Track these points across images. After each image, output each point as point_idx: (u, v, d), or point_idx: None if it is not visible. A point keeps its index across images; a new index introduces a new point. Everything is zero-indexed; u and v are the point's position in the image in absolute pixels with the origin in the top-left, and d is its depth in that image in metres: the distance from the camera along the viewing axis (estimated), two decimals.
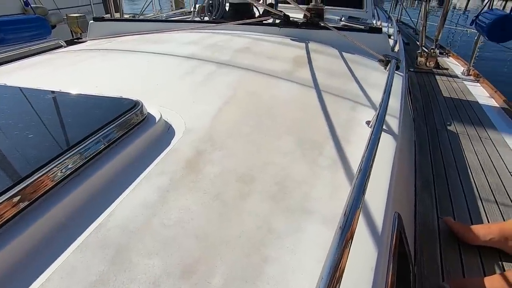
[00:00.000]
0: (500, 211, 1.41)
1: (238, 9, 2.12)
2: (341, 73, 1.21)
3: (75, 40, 1.87)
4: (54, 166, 0.52)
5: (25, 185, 0.47)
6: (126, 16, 5.08)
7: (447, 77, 3.47)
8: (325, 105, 0.94)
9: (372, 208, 0.58)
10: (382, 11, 4.18)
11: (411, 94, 2.33)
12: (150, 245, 0.47)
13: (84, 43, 1.70)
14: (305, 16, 1.65)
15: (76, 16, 5.46)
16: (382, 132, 0.80)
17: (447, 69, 3.80)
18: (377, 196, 0.61)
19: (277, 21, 1.69)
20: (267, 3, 2.60)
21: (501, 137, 2.10)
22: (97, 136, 0.60)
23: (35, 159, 0.53)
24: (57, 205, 0.50)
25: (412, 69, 3.57)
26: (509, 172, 1.70)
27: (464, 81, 3.36)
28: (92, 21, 1.86)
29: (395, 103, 1.03)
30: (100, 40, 1.65)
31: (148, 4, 3.41)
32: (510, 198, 1.49)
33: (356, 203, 0.46)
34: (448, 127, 2.23)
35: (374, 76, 1.23)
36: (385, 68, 1.33)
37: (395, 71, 1.29)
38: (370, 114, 0.89)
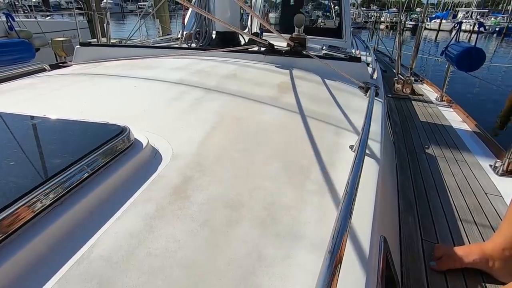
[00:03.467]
0: (479, 231, 1.45)
1: (224, 37, 2.19)
2: (324, 99, 1.25)
3: (59, 64, 1.85)
4: (35, 196, 0.50)
5: (3, 216, 0.45)
6: (113, 41, 5.13)
7: (422, 103, 3.67)
8: (310, 130, 0.95)
9: (359, 232, 0.59)
10: (360, 40, 4.44)
11: (390, 119, 2.43)
12: (136, 276, 0.45)
13: (69, 67, 1.68)
14: (288, 44, 1.74)
15: (61, 40, 5.45)
16: (365, 156, 0.82)
17: (422, 95, 4.03)
18: (363, 219, 0.62)
19: (262, 48, 1.75)
20: (253, 31, 2.70)
21: (475, 160, 2.21)
22: (82, 163, 0.59)
23: (16, 188, 0.51)
24: (37, 237, 0.48)
25: (390, 95, 3.76)
26: (486, 194, 1.77)
27: (438, 107, 3.57)
28: (78, 46, 1.85)
29: (376, 128, 1.06)
30: (86, 65, 1.64)
31: (136, 31, 3.47)
32: (487, 219, 1.55)
33: (343, 227, 0.47)
34: (426, 150, 2.33)
35: (356, 102, 1.27)
36: (366, 95, 1.39)
37: (375, 97, 1.33)
38: (353, 139, 0.92)
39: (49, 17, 9.53)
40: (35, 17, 7.42)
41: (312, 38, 2.76)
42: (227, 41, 2.14)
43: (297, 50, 1.68)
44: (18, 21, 6.20)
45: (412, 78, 3.94)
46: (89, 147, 0.63)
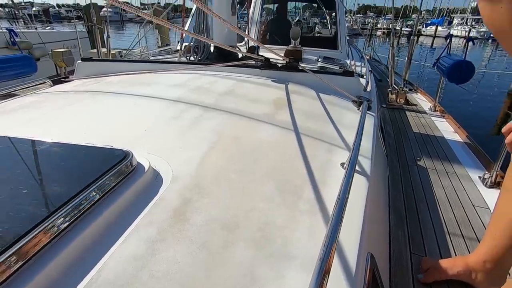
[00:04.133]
0: (466, 244, 1.51)
1: (222, 52, 2.25)
2: (318, 115, 1.28)
3: (61, 79, 1.88)
4: (48, 224, 0.54)
5: (20, 245, 0.49)
6: (113, 51, 5.20)
7: (416, 113, 3.74)
8: (303, 147, 0.99)
9: (347, 250, 0.62)
10: (356, 49, 4.52)
11: (383, 131, 2.49)
12: None
13: (71, 82, 1.71)
14: (284, 58, 1.79)
15: (62, 52, 5.54)
16: (355, 174, 0.87)
17: (416, 105, 4.11)
18: (351, 237, 0.65)
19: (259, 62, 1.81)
20: (249, 45, 2.75)
21: (465, 171, 2.28)
22: (90, 189, 0.63)
23: (29, 216, 0.55)
24: (51, 262, 0.52)
25: (384, 105, 3.83)
26: (473, 206, 1.84)
27: (431, 117, 3.64)
28: (79, 61, 1.88)
29: (367, 144, 1.09)
30: (87, 80, 1.66)
31: (137, 43, 3.54)
32: (474, 231, 1.61)
33: (331, 246, 0.50)
34: (418, 162, 2.39)
35: (348, 117, 1.31)
36: (358, 109, 1.40)
37: (367, 111, 1.36)
38: (345, 156, 0.94)
39: (49, 27, 9.66)
40: (36, 28, 7.51)
41: (308, 50, 2.81)
42: (224, 55, 2.18)
43: (292, 65, 1.72)
44: (18, 32, 6.29)
45: (406, 89, 4.03)
46: (95, 172, 0.68)
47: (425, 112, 3.84)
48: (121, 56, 5.14)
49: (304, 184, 0.81)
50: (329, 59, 2.66)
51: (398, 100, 3.87)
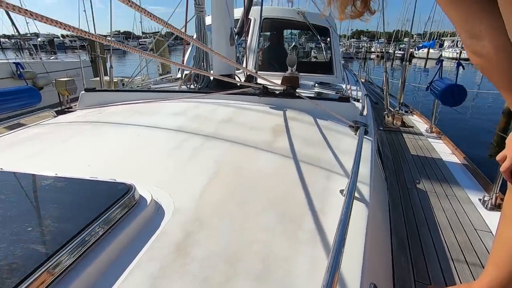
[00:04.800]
0: (470, 270, 1.49)
1: (221, 80, 2.31)
2: (316, 141, 1.29)
3: (65, 110, 1.92)
4: (53, 262, 0.55)
5: (25, 285, 0.50)
6: (115, 79, 5.33)
7: (413, 135, 3.79)
8: (302, 175, 0.98)
9: (349, 281, 0.62)
10: (351, 73, 4.65)
11: (381, 154, 2.51)
12: None
13: (74, 112, 1.73)
14: (282, 86, 1.82)
15: (65, 81, 5.70)
16: (355, 201, 0.86)
17: (412, 127, 4.17)
18: (352, 268, 0.65)
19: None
20: (248, 74, 2.82)
21: (465, 194, 2.28)
22: (94, 225, 0.64)
23: (28, 257, 0.56)
24: None
25: (381, 128, 3.88)
26: (475, 229, 1.83)
27: (428, 138, 3.69)
28: (83, 92, 1.92)
29: (365, 170, 1.09)
30: (90, 110, 1.69)
31: (139, 72, 3.66)
32: (477, 256, 1.59)
33: (332, 278, 0.50)
34: (417, 185, 2.40)
35: (346, 143, 1.30)
36: (355, 134, 1.42)
37: (364, 136, 1.35)
38: (343, 182, 0.94)
39: (53, 57, 9.98)
40: (40, 58, 7.76)
41: (305, 75, 2.88)
42: (224, 83, 2.23)
43: (289, 92, 1.75)
44: (23, 62, 6.50)
45: (402, 111, 4.12)
46: (99, 207, 0.69)
47: (421, 134, 3.89)
48: (123, 85, 5.28)
49: (304, 213, 0.81)
50: (325, 84, 2.73)
51: (394, 122, 3.94)
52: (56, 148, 1.16)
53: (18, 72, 4.73)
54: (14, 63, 4.98)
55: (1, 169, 0.91)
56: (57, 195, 0.77)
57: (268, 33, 4.72)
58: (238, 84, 2.44)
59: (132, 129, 1.31)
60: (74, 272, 0.58)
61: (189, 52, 3.51)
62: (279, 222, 0.76)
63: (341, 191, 0.92)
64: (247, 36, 3.44)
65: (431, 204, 2.10)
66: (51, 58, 9.63)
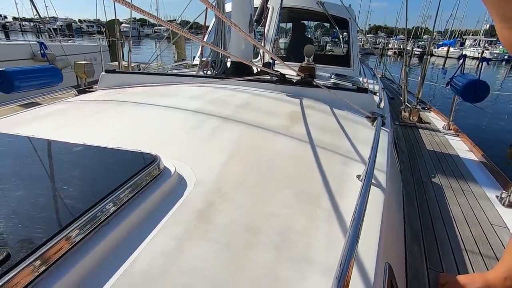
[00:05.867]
0: (484, 262, 1.47)
1: (238, 66, 2.31)
2: (333, 129, 1.30)
3: (86, 89, 1.97)
4: (86, 218, 0.59)
5: (73, 227, 0.55)
6: (133, 65, 5.40)
7: (429, 131, 3.72)
8: (319, 159, 1.00)
9: (365, 259, 0.63)
10: (368, 68, 4.59)
11: (397, 147, 2.48)
12: None
13: (95, 92, 1.77)
14: (299, 74, 1.81)
15: (83, 64, 5.81)
16: (371, 186, 0.85)
17: (429, 123, 4.09)
18: (369, 246, 0.66)
19: (274, 78, 1.85)
20: (265, 60, 2.81)
21: (482, 190, 2.24)
22: (123, 188, 0.68)
23: (67, 212, 0.60)
24: (91, 251, 0.57)
25: (397, 123, 3.82)
26: (491, 225, 1.80)
27: (445, 135, 3.62)
28: (103, 73, 1.96)
29: (382, 158, 1.09)
30: (110, 91, 1.73)
31: (155, 58, 3.70)
32: (492, 250, 1.57)
33: (350, 254, 0.51)
34: (433, 179, 2.37)
35: (363, 132, 1.31)
36: (372, 124, 1.42)
37: (381, 127, 1.36)
38: (360, 169, 0.96)
39: (71, 41, 10.16)
40: (60, 41, 7.91)
41: (322, 67, 2.86)
42: (241, 70, 2.20)
43: (307, 80, 1.74)
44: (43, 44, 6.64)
45: (419, 107, 4.04)
46: (127, 173, 0.73)
47: (438, 131, 3.81)
48: (139, 70, 5.34)
49: (322, 193, 0.83)
50: (342, 76, 2.70)
51: (411, 118, 3.87)
52: (81, 122, 1.20)
53: (42, 52, 4.84)
54: (38, 42, 5.10)
55: (33, 135, 0.95)
56: (87, 162, 0.81)
57: (287, 24, 4.66)
58: (255, 72, 2.44)
59: (152, 109, 1.35)
60: (107, 228, 0.61)
61: (206, 39, 3.51)
62: (297, 199, 0.79)
63: (358, 176, 0.93)
64: (265, 24, 3.41)
65: (446, 199, 2.08)
66: (69, 41, 9.81)
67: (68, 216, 0.58)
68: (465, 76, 3.31)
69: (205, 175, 0.85)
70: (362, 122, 1.45)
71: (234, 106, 1.40)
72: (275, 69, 2.27)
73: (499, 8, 0.66)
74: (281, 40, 5.15)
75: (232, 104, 1.42)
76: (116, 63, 5.89)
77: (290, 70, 2.14)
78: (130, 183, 0.69)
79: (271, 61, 2.62)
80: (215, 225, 0.67)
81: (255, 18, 2.55)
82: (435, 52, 35.64)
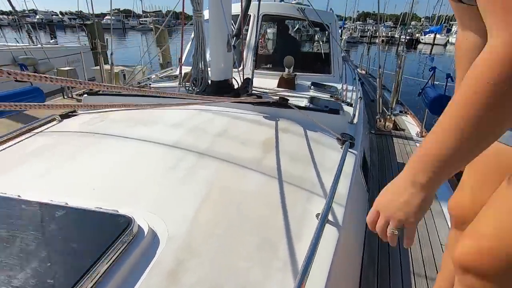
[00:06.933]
0: (427, 284, 1.69)
1: (219, 85, 2.39)
2: (303, 158, 1.37)
3: (69, 114, 2.02)
4: None
5: None
6: (116, 70, 5.38)
7: (402, 139, 3.91)
8: (285, 198, 1.07)
9: None
10: (350, 67, 4.53)
11: (367, 164, 2.62)
12: None
13: (78, 118, 1.81)
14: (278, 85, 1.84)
15: (67, 70, 5.77)
16: (328, 225, 0.94)
17: (404, 130, 4.27)
18: None
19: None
20: (244, 77, 2.87)
21: (440, 207, 2.40)
22: (98, 264, 0.73)
23: None
24: None
25: (373, 131, 4.00)
26: (441, 244, 2.01)
27: (417, 143, 3.80)
28: (85, 95, 2.03)
29: (343, 190, 1.18)
30: (93, 116, 1.77)
31: (143, 72, 3.71)
32: (437, 271, 1.78)
33: None
34: None
35: (331, 159, 1.39)
36: (342, 147, 1.48)
37: (350, 150, 1.46)
38: (322, 204, 1.00)
39: (53, 41, 9.92)
40: (42, 45, 7.73)
41: (302, 75, 2.95)
42: (221, 88, 2.29)
43: (282, 102, 1.83)
44: (25, 49, 6.53)
45: (392, 114, 4.21)
46: (102, 243, 0.77)
47: (411, 138, 3.99)
48: (124, 76, 5.33)
49: (281, 239, 0.90)
50: (321, 86, 2.76)
51: (386, 126, 4.06)
52: (63, 168, 1.24)
53: (23, 69, 4.83)
54: (19, 64, 5.06)
55: (5, 194, 0.98)
56: (62, 227, 0.84)
57: (269, 28, 4.69)
58: (236, 86, 2.51)
59: (132, 144, 1.40)
60: None
61: (188, 50, 3.53)
62: (258, 250, 0.87)
63: (317, 215, 1.00)
64: (246, 33, 3.42)
65: None
66: (51, 41, 9.59)
67: None
68: (433, 90, 3.50)
69: (177, 227, 0.92)
70: (332, 145, 1.53)
71: (212, 136, 1.46)
72: (256, 78, 2.35)
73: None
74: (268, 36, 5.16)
75: (210, 134, 1.49)
76: (99, 68, 5.86)
77: (272, 79, 2.23)
78: (106, 255, 0.75)
79: (250, 76, 2.70)
80: (182, 285, 0.75)
81: (234, 32, 2.61)
82: (422, 39, 35.90)
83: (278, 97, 1.87)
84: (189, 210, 0.99)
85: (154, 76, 3.66)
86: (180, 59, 2.71)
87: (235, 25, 3.43)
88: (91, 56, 8.25)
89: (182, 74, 2.57)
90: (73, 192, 1.06)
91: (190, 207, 1.00)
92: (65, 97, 5.98)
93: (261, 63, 3.60)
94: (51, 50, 7.40)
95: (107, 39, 6.63)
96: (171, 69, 4.17)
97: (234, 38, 2.54)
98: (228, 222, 0.96)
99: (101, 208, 0.94)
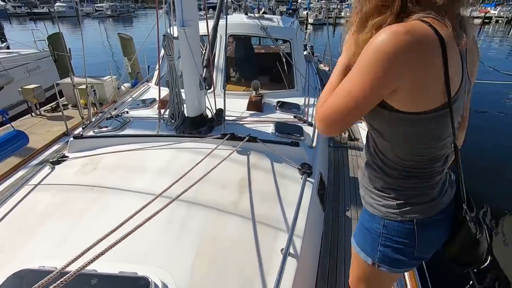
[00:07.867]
0: None
1: (194, 121, 2.53)
2: (270, 195, 1.56)
3: (59, 160, 1.99)
4: None
5: None
6: (83, 86, 5.32)
7: (355, 151, 3.91)
8: (258, 238, 1.26)
9: None
10: (314, 71, 4.47)
11: (324, 185, 2.50)
12: None
13: (70, 164, 1.87)
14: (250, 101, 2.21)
15: (32, 88, 5.60)
16: (289, 258, 1.11)
17: (358, 139, 4.23)
18: None
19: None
20: (217, 108, 3.08)
21: None
22: None
23: None
24: None
25: (331, 145, 4.34)
26: None
27: None
28: (72, 139, 2.13)
29: (301, 222, 1.35)
30: (84, 162, 1.86)
31: (114, 87, 3.75)
32: None
33: None
34: (346, 213, 2.58)
35: (292, 192, 1.57)
36: (302, 177, 1.68)
37: (308, 179, 1.68)
38: (285, 240, 1.18)
39: (4, 44, 9.19)
40: None
41: (267, 92, 3.23)
42: (197, 123, 2.52)
43: (251, 139, 2.03)
44: None
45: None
46: None
47: (363, 149, 4.32)
48: (94, 91, 5.26)
49: (256, 277, 1.10)
50: (285, 107, 3.00)
51: (341, 139, 4.49)
52: (77, 231, 1.32)
53: (4, 119, 4.82)
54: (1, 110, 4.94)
55: (43, 267, 1.09)
56: None
57: (235, 47, 4.84)
58: (210, 117, 2.75)
59: (129, 198, 1.51)
60: None
61: (162, 71, 3.36)
62: (243, 287, 1.05)
63: (281, 250, 1.18)
64: (214, 57, 3.57)
65: (352, 233, 2.53)
66: (2, 45, 8.88)
67: None
68: None
69: (182, 279, 1.10)
70: (293, 177, 1.74)
71: (196, 181, 1.58)
72: (228, 99, 2.57)
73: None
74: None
75: (194, 178, 1.57)
76: (67, 79, 5.71)
77: (240, 99, 2.47)
78: None
79: (222, 107, 2.94)
80: None
81: (204, 64, 2.82)
82: None
83: (248, 135, 2.07)
84: (188, 262, 1.18)
85: (129, 98, 3.51)
86: (159, 83, 2.68)
87: (203, 46, 3.54)
88: (52, 63, 7.83)
89: (159, 102, 2.63)
90: (95, 256, 1.32)
91: (189, 260, 1.19)
92: (33, 114, 5.87)
93: (234, 83, 3.81)
94: (7, 59, 6.96)
95: (69, 48, 6.41)
96: (144, 86, 3.93)
97: (206, 68, 2.75)
98: (218, 267, 1.16)
99: (124, 272, 1.09)
